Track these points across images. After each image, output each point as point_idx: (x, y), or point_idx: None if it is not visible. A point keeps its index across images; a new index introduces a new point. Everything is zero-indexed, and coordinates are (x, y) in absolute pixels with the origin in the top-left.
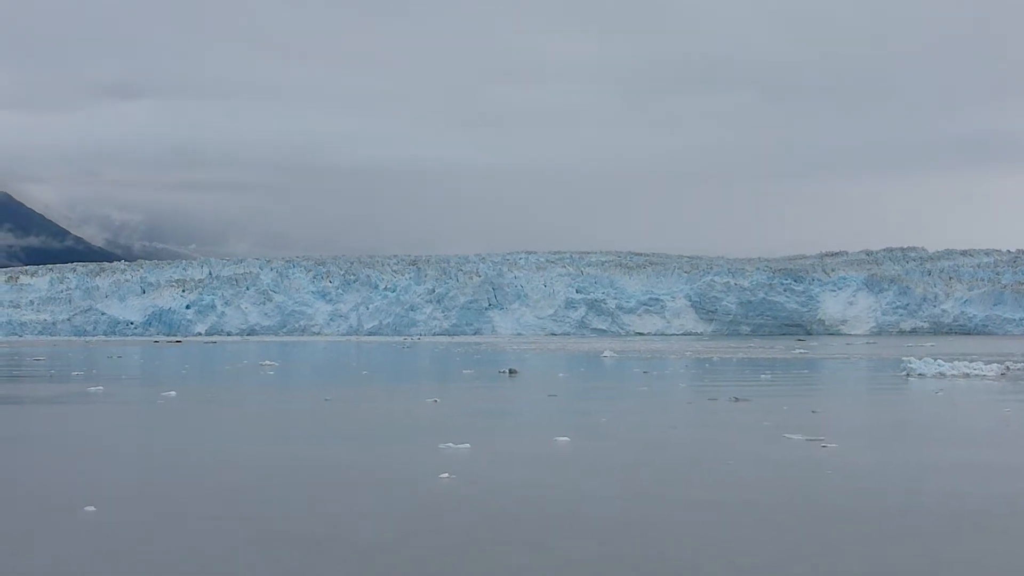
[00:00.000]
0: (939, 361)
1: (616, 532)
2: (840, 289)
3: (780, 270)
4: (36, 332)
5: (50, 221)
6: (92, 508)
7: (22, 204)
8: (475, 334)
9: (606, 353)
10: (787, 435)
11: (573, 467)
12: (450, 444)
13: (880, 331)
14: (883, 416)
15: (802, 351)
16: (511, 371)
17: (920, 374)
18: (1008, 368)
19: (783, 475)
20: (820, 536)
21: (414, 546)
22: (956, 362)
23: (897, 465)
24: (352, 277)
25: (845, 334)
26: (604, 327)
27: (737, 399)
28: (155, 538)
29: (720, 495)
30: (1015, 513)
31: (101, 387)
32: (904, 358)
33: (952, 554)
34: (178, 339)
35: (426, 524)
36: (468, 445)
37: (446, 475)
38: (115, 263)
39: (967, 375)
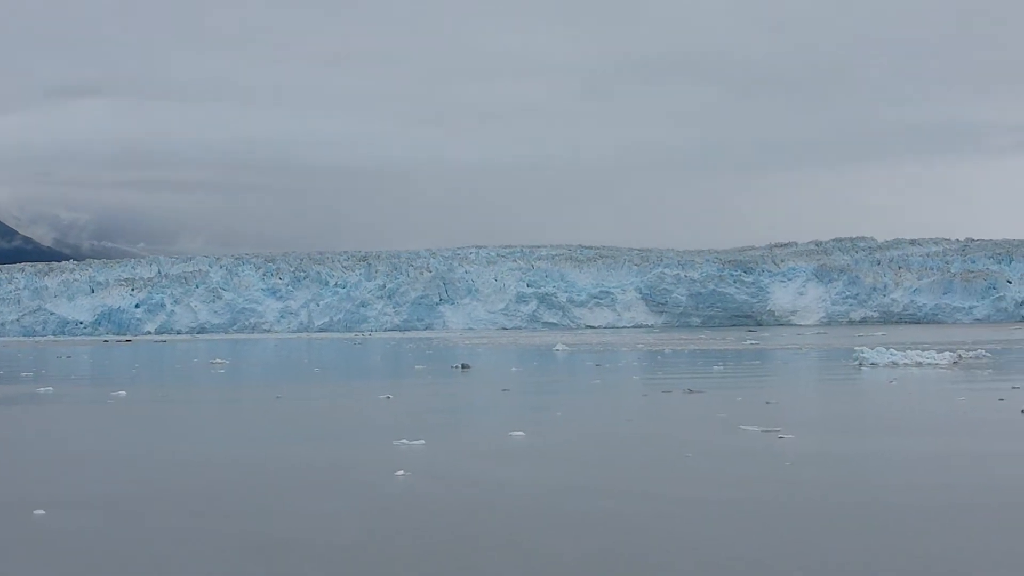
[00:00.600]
0: (891, 350)
1: (579, 528)
2: (790, 280)
3: (730, 262)
4: None
5: None
6: (41, 512)
7: None
8: (426, 329)
9: (558, 347)
10: (743, 427)
11: (530, 462)
12: (404, 440)
13: (830, 321)
14: (838, 406)
15: (753, 342)
16: (463, 366)
17: (872, 364)
18: (960, 356)
19: (742, 468)
20: (786, 528)
21: (376, 547)
22: (908, 351)
23: (856, 456)
24: (302, 274)
25: (795, 324)
26: (555, 321)
27: (691, 391)
28: (106, 542)
29: (682, 489)
30: (978, 503)
31: (51, 388)
32: (856, 348)
33: (918, 545)
34: (128, 338)
35: (386, 523)
36: (423, 441)
37: (402, 472)
38: (64, 263)
39: (920, 364)
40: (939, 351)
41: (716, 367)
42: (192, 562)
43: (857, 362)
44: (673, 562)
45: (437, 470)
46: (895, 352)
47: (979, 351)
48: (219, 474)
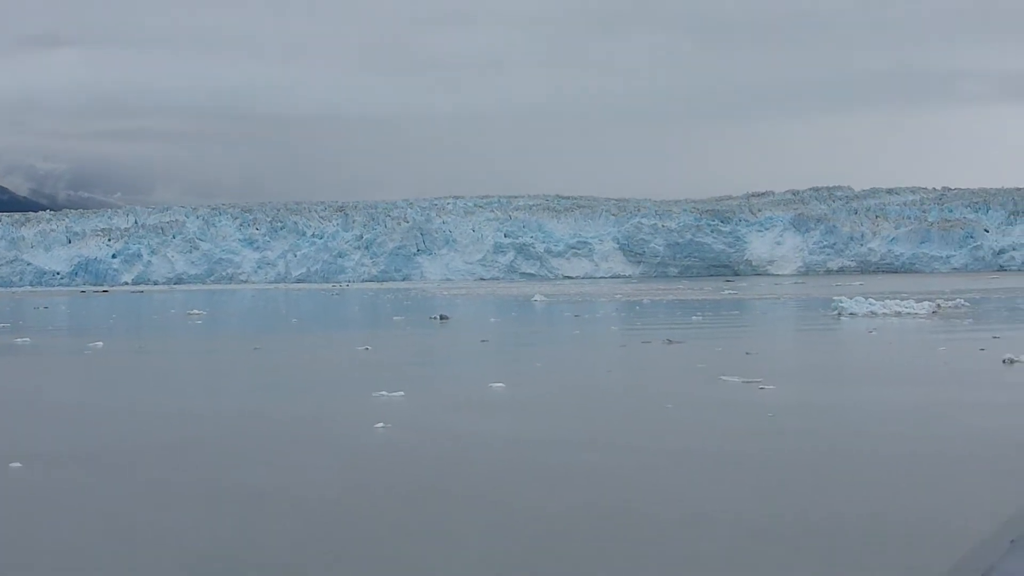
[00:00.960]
0: (870, 300)
1: (563, 480)
2: (767, 229)
3: (707, 211)
4: None
5: None
6: (17, 464)
7: None
8: (404, 280)
9: (536, 297)
10: (724, 377)
11: (510, 413)
12: (384, 393)
13: (807, 271)
14: (818, 357)
15: (731, 292)
16: (442, 317)
17: (852, 313)
18: (939, 306)
19: (724, 419)
20: (770, 480)
21: (356, 500)
22: (887, 301)
23: (838, 406)
24: (279, 224)
25: (772, 274)
26: (533, 271)
27: (670, 341)
28: (83, 495)
29: (664, 441)
30: (965, 453)
31: (27, 339)
32: (835, 298)
33: (904, 495)
34: (105, 289)
35: (366, 476)
36: (402, 393)
37: (381, 424)
38: (40, 213)
39: (899, 314)
40: (918, 301)
41: (695, 317)
42: (170, 515)
43: (836, 312)
44: (658, 514)
45: (417, 422)
46: (874, 302)
47: (958, 300)
48: (197, 426)
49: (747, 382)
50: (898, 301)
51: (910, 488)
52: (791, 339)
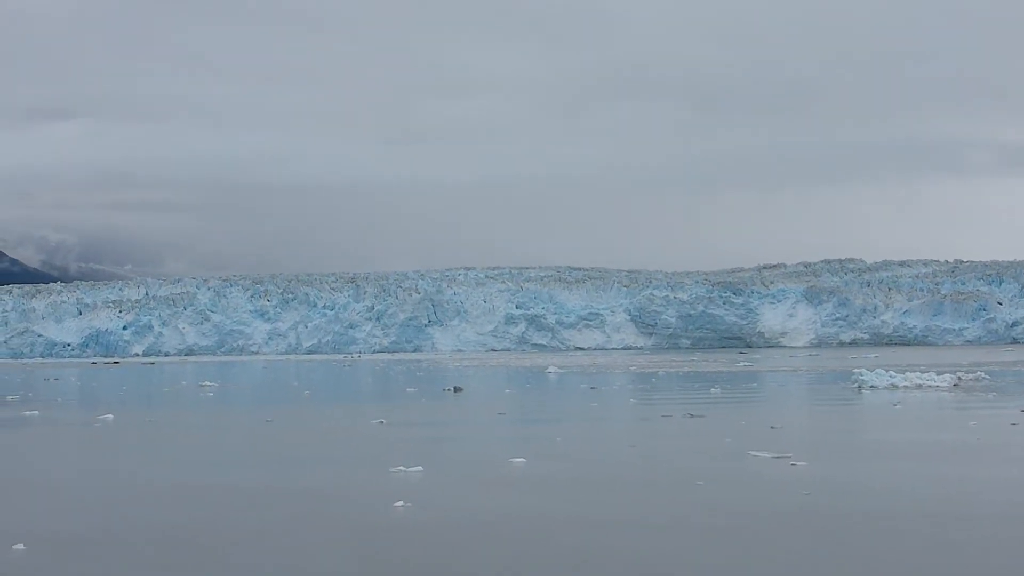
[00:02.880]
0: (890, 373)
1: (592, 565)
2: (779, 301)
3: (719, 283)
4: None
5: None
6: (21, 547)
7: None
8: (415, 351)
9: (550, 368)
10: (752, 452)
11: (533, 490)
12: (401, 468)
13: (820, 343)
14: (846, 431)
15: (746, 364)
16: (456, 388)
17: (872, 386)
18: (960, 379)
19: (757, 497)
20: (812, 563)
21: None
22: (907, 373)
23: (876, 484)
24: (290, 295)
25: (785, 346)
26: (544, 342)
27: (692, 415)
28: None
29: (697, 520)
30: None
31: (36, 411)
32: (855, 370)
33: (955, 570)
34: (116, 360)
35: (387, 558)
36: (420, 468)
37: (401, 503)
38: (51, 284)
39: (920, 386)
40: (938, 373)
41: (713, 390)
42: None
43: (856, 385)
44: None
45: (437, 501)
46: (894, 374)
47: (978, 373)
48: (207, 503)
49: (777, 457)
50: (918, 374)
51: (967, 564)
52: (815, 412)
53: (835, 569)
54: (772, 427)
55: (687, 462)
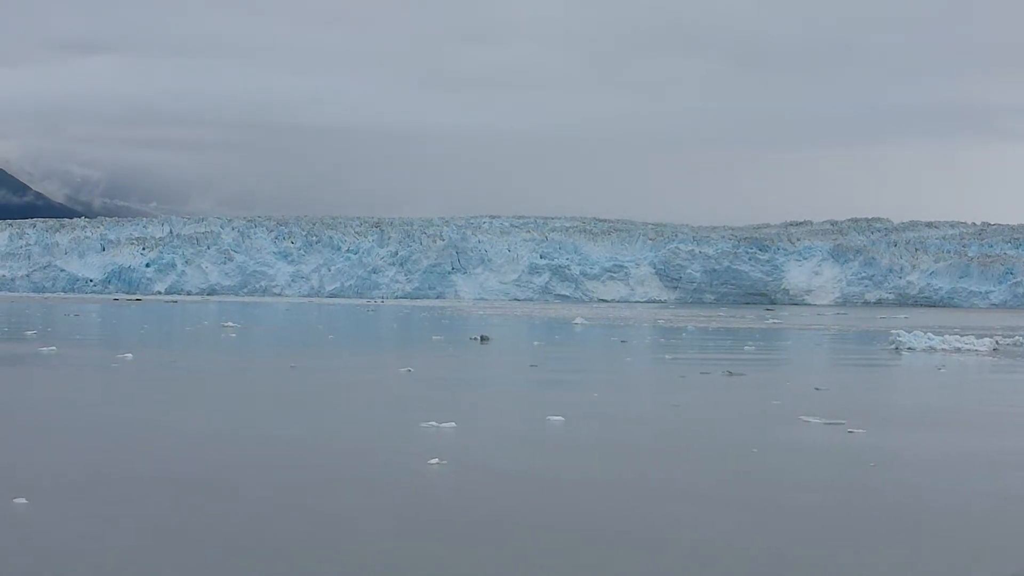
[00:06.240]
0: (929, 335)
1: (643, 536)
2: (805, 259)
3: (745, 239)
4: None
5: (10, 176)
6: (23, 500)
7: None
8: (438, 298)
9: (577, 320)
10: (803, 417)
11: (575, 452)
12: (433, 423)
13: (845, 302)
14: (896, 395)
15: (775, 321)
16: (483, 338)
17: (910, 348)
18: (997, 343)
19: (820, 468)
20: (889, 544)
21: (418, 548)
22: (946, 336)
23: (950, 458)
24: (314, 238)
25: (810, 304)
26: (568, 293)
27: (731, 373)
28: (95, 540)
29: (757, 491)
30: None
31: (54, 348)
32: (892, 331)
33: None
34: (138, 297)
35: (425, 520)
36: (453, 424)
37: (436, 460)
38: (75, 219)
39: (959, 350)
40: (977, 337)
41: (747, 347)
42: (196, 567)
43: (894, 346)
44: None
45: (474, 459)
46: (933, 337)
47: (1016, 337)
48: (228, 456)
49: (830, 423)
50: (957, 337)
51: None
52: (857, 374)
53: (912, 550)
54: (816, 389)
55: (737, 427)
